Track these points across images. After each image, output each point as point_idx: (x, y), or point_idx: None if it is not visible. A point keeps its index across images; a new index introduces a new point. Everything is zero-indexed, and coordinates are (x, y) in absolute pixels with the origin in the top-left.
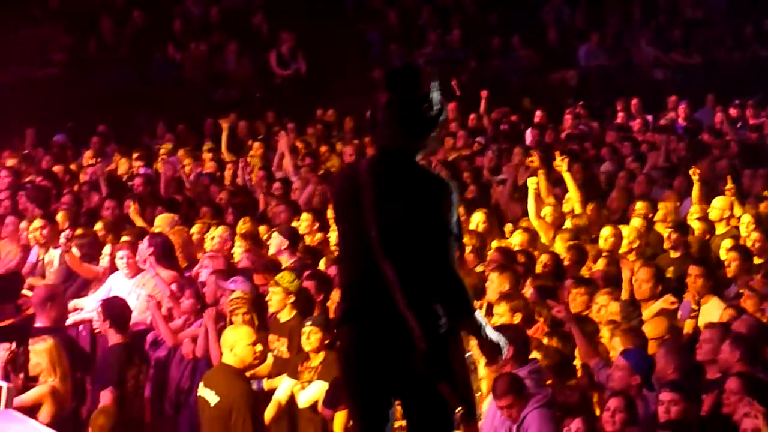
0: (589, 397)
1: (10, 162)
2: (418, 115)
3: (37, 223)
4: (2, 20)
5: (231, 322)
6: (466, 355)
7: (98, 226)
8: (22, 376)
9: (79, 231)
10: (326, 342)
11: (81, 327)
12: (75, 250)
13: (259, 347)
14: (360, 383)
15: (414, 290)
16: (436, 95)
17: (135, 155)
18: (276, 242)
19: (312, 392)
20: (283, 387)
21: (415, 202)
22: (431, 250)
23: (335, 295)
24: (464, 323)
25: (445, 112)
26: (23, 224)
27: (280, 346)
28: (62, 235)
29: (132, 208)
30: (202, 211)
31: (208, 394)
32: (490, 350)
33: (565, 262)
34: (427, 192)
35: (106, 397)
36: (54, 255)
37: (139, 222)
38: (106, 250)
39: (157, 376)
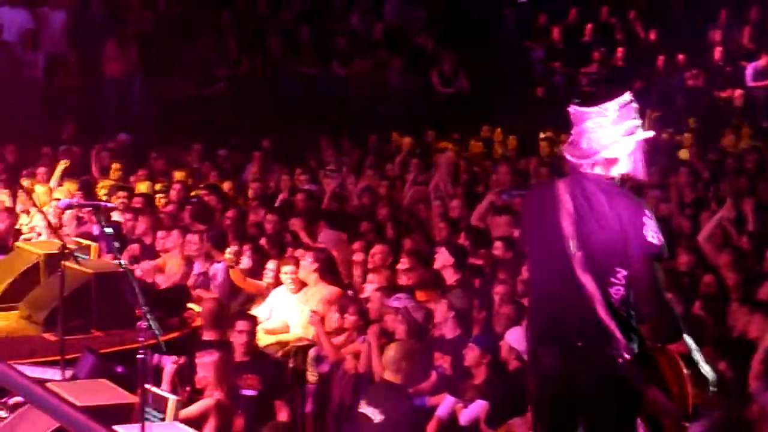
0: None
1: (179, 176)
2: (614, 136)
3: (201, 237)
4: (170, 37)
5: (394, 339)
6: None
7: (262, 241)
8: (188, 388)
9: (243, 246)
10: (488, 361)
11: None
12: (240, 264)
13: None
14: (556, 406)
15: (615, 307)
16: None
17: (298, 171)
18: (441, 259)
19: (474, 411)
20: (445, 404)
21: (615, 221)
22: (634, 270)
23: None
24: (672, 346)
25: (640, 132)
26: (189, 237)
27: (444, 363)
28: (227, 250)
29: (296, 224)
30: (364, 227)
31: (370, 411)
32: (698, 381)
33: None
34: (625, 212)
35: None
36: (218, 269)
37: (303, 237)
38: (270, 265)
39: (319, 391)
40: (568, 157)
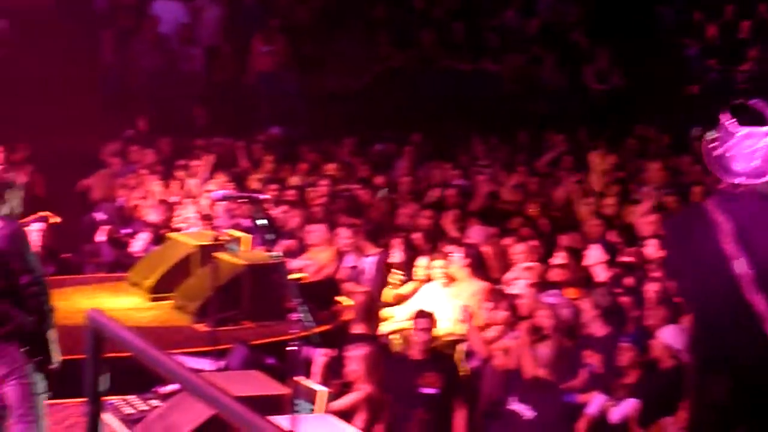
0: None
1: (330, 169)
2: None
3: (352, 231)
4: (323, 30)
5: (545, 336)
6: None
7: (415, 236)
8: (338, 381)
9: (394, 240)
10: (639, 360)
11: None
12: (392, 258)
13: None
14: None
15: None
16: None
17: (449, 166)
18: (593, 256)
19: (625, 409)
20: (595, 402)
21: None
22: None
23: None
24: None
25: None
26: (340, 231)
27: (593, 361)
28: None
29: (447, 219)
30: (515, 223)
31: (521, 408)
32: None
33: None
34: None
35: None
36: (367, 263)
37: (454, 233)
38: (422, 262)
39: (468, 386)
40: (737, 171)
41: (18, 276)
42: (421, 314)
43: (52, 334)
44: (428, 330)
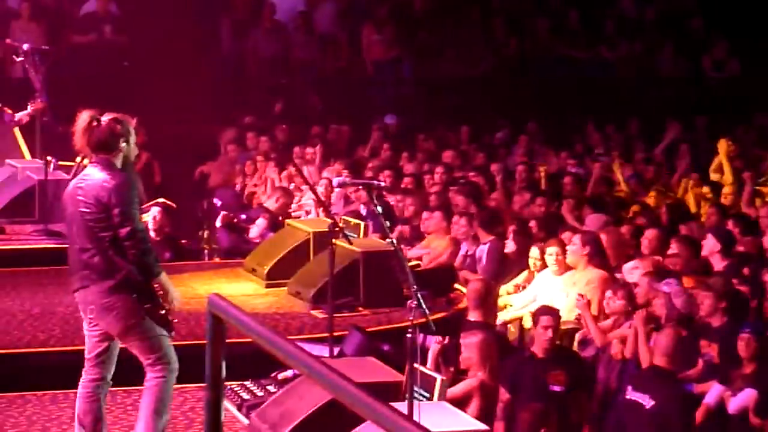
0: None
1: (446, 157)
2: None
3: (467, 219)
4: (439, 18)
5: (662, 325)
6: None
7: (531, 223)
8: (452, 369)
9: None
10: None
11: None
12: (506, 248)
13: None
14: None
15: None
16: None
17: (565, 154)
18: (709, 244)
19: (743, 399)
20: (713, 392)
21: None
22: None
23: None
24: None
25: None
26: (455, 219)
27: (710, 351)
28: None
29: (564, 207)
30: (632, 211)
31: (640, 397)
32: None
33: None
34: None
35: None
36: (483, 250)
37: (570, 221)
38: (534, 252)
39: (584, 375)
40: None
41: (118, 228)
42: (546, 311)
43: (162, 280)
44: (552, 328)
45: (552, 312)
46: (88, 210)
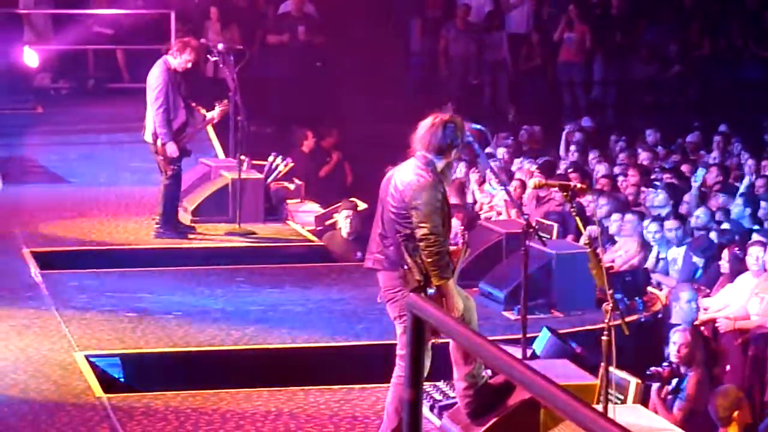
0: None
1: (640, 159)
2: None
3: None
4: (633, 18)
5: None
6: None
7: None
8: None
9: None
10: None
11: (702, 327)
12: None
13: None
14: None
15: None
16: None
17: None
18: None
19: None
20: None
21: None
22: None
23: None
24: None
25: None
26: (645, 221)
27: None
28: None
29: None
30: None
31: None
32: None
33: None
34: None
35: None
36: (678, 253)
37: None
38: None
39: None
40: None
41: (416, 228)
42: None
43: (449, 286)
44: None
45: None
46: (393, 202)
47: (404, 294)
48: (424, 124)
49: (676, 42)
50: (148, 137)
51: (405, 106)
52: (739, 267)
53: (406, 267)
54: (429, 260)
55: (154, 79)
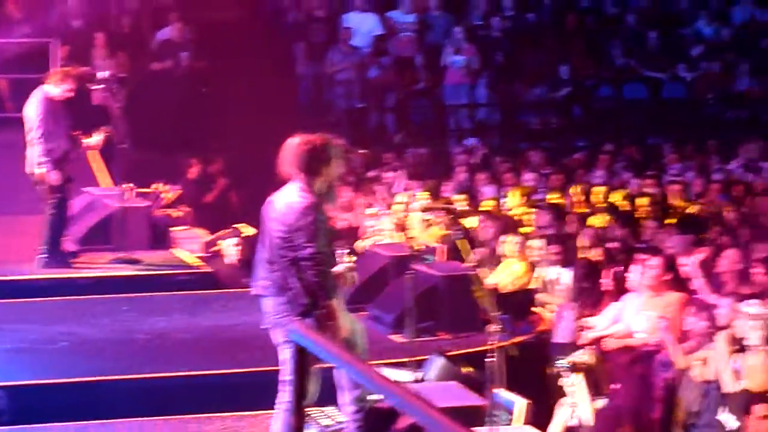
0: None
1: (524, 180)
2: None
3: (545, 241)
4: (516, 41)
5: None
6: None
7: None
8: None
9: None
10: None
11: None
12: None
13: None
14: None
15: None
16: None
17: (644, 175)
18: None
19: None
20: None
21: None
22: None
23: None
24: None
25: None
26: (530, 243)
27: None
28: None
29: (645, 228)
30: (714, 231)
31: (727, 419)
32: None
33: None
34: None
35: None
36: (561, 273)
37: (652, 242)
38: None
39: (666, 397)
40: None
41: (300, 249)
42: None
43: (332, 305)
44: None
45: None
46: (277, 227)
47: (291, 319)
48: (290, 147)
49: (560, 63)
50: (29, 168)
51: (292, 130)
52: (622, 285)
53: (292, 291)
54: (316, 280)
55: (32, 110)
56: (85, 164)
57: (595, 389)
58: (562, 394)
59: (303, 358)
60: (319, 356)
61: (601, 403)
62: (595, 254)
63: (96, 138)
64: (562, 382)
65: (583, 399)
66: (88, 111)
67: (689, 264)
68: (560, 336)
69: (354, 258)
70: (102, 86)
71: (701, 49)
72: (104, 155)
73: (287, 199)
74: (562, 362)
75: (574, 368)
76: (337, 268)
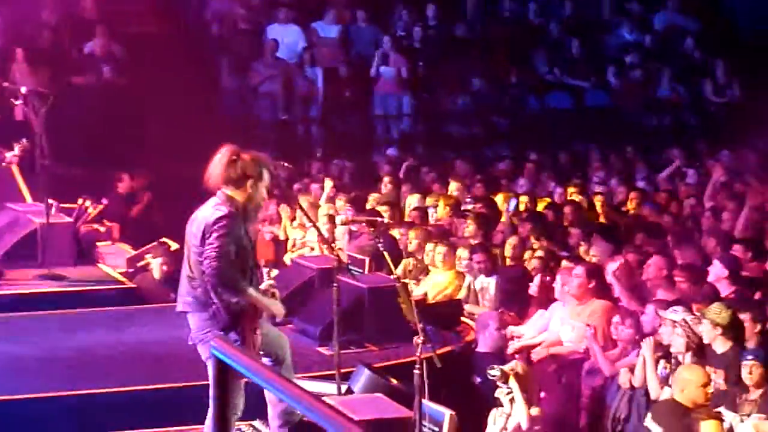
0: None
1: (452, 189)
2: None
3: (471, 251)
4: (438, 52)
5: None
6: None
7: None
8: None
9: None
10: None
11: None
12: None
13: (710, 389)
14: None
15: None
16: None
17: (569, 182)
18: (715, 271)
19: (750, 425)
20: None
21: None
22: None
23: None
24: None
25: None
26: (459, 252)
27: (717, 377)
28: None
29: (570, 236)
30: (639, 238)
31: (655, 428)
32: None
33: None
34: None
35: None
36: (488, 282)
37: (577, 250)
38: (537, 279)
39: (592, 405)
40: None
41: (206, 260)
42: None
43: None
44: None
45: None
46: (195, 242)
47: (215, 334)
48: (216, 160)
49: (483, 73)
50: None
51: (217, 144)
52: (549, 294)
53: (214, 307)
54: (213, 286)
55: None
56: (10, 180)
57: (527, 398)
58: (492, 404)
59: (225, 374)
60: (241, 372)
61: (536, 411)
62: (521, 263)
63: (13, 152)
64: (498, 392)
65: (518, 408)
66: (13, 126)
67: (608, 272)
68: (483, 345)
69: (275, 273)
70: (21, 102)
71: (623, 57)
72: (24, 170)
73: (203, 213)
74: (495, 372)
75: (506, 378)
76: (261, 286)
